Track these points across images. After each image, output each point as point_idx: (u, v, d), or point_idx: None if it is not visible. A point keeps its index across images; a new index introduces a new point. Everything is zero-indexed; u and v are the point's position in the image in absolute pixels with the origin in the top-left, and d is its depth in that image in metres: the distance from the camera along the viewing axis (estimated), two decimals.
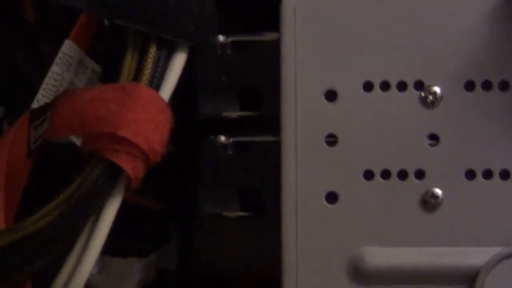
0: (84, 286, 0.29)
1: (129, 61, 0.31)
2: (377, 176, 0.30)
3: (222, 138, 0.31)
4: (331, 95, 0.30)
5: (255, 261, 0.31)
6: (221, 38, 0.31)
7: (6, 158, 0.31)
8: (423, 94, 0.30)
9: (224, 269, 0.32)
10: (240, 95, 0.31)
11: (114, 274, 0.33)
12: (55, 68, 0.31)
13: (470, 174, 0.30)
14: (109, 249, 0.30)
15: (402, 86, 0.30)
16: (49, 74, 0.30)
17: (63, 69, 0.31)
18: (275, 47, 0.30)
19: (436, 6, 0.30)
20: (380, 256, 0.30)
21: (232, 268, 0.32)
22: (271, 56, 0.30)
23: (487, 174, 0.30)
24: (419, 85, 0.30)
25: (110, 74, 0.31)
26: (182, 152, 0.31)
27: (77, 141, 0.30)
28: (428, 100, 0.30)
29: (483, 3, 0.30)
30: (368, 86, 0.30)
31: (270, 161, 0.30)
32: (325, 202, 0.30)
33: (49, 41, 0.31)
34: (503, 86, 0.30)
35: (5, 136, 0.31)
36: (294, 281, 0.30)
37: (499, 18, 0.30)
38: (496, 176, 0.30)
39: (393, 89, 0.30)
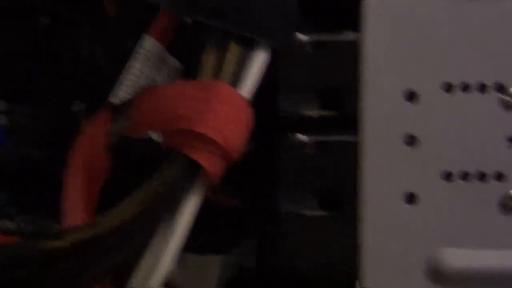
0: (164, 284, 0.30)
1: (209, 59, 0.32)
2: (456, 178, 0.30)
3: (302, 137, 0.31)
4: (410, 96, 0.30)
5: (332, 260, 0.32)
6: (302, 37, 0.32)
7: (87, 153, 0.32)
8: (503, 96, 0.30)
9: (302, 268, 0.32)
10: (319, 94, 0.31)
11: (194, 271, 0.34)
12: (135, 64, 0.31)
13: None
14: (188, 246, 0.30)
15: (482, 87, 0.30)
16: (129, 70, 0.31)
17: (143, 64, 0.31)
18: (355, 47, 0.31)
19: None
20: (459, 257, 0.30)
21: (310, 266, 0.32)
22: (351, 56, 0.31)
23: None
24: (500, 87, 0.30)
25: (190, 71, 0.32)
26: (261, 149, 0.31)
27: (156, 137, 0.31)
28: (508, 103, 0.30)
29: None
30: (447, 87, 0.31)
31: (348, 160, 0.31)
32: (403, 202, 0.30)
33: (129, 37, 0.32)
34: None
35: (85, 131, 0.31)
36: (372, 281, 0.30)
37: None
38: None
39: (473, 91, 0.30)
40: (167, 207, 0.31)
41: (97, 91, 0.32)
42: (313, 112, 0.32)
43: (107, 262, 0.31)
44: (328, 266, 0.32)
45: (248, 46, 0.31)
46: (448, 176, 0.30)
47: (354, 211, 0.31)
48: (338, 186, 0.32)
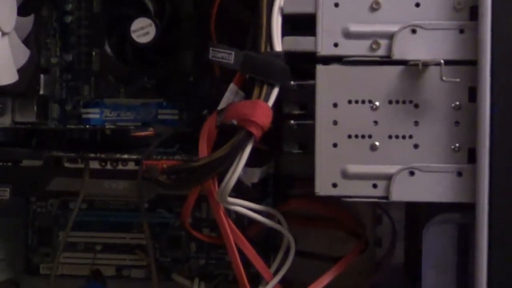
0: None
1: (256, 90, 0.68)
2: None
3: (292, 122, 0.73)
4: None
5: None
6: (292, 82, 0.69)
7: (209, 127, 0.72)
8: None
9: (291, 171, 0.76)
10: (300, 105, 0.73)
11: (248, 174, 0.75)
12: (227, 94, 0.73)
13: None
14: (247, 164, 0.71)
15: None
16: (225, 96, 0.73)
17: (230, 94, 0.71)
18: (314, 87, 0.72)
19: None
20: None
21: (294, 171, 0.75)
22: (313, 90, 0.72)
23: None
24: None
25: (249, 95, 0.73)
26: (274, 128, 0.71)
27: (234, 122, 0.72)
28: None
29: None
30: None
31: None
32: None
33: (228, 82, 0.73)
34: None
35: (208, 119, 0.71)
36: None
37: None
38: None
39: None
40: (239, 151, 0.67)
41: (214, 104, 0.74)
42: (295, 111, 0.72)
43: (216, 171, 0.73)
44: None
45: (271, 85, 0.68)
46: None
47: None
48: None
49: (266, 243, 0.84)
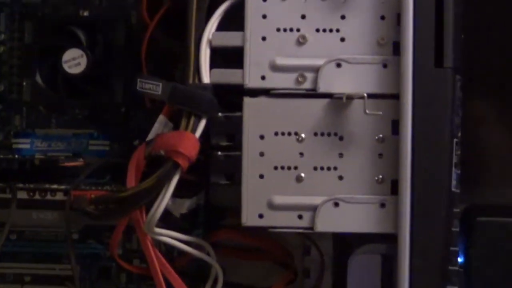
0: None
1: (184, 122, 0.69)
2: None
3: (220, 154, 0.74)
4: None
5: None
6: (219, 114, 0.69)
7: (137, 158, 0.72)
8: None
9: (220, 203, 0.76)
10: (227, 137, 0.74)
11: (177, 205, 0.76)
12: (156, 125, 0.73)
13: None
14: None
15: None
16: (154, 127, 0.73)
17: (159, 125, 0.72)
18: (241, 119, 0.73)
19: None
20: None
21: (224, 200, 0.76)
22: (240, 122, 0.73)
23: None
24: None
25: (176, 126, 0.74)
26: (201, 159, 0.72)
27: (161, 152, 0.72)
28: None
29: None
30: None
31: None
32: None
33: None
34: None
35: (137, 150, 0.73)
36: None
37: None
38: None
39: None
40: (165, 181, 0.66)
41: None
42: (223, 142, 0.72)
43: (143, 202, 0.74)
44: None
45: (199, 117, 0.69)
46: None
47: None
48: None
49: (197, 274, 0.84)
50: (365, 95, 0.68)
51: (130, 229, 0.77)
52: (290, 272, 0.81)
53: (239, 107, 0.71)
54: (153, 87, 0.71)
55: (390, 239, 0.70)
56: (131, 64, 0.83)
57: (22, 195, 0.78)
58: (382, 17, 0.71)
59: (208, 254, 0.77)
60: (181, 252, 0.78)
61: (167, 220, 0.73)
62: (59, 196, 0.78)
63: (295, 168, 0.71)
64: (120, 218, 0.74)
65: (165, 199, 0.68)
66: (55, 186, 0.78)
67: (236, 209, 0.73)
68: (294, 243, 0.86)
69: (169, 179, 0.68)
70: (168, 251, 0.82)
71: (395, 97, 0.70)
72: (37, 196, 0.78)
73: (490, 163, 0.89)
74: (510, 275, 0.80)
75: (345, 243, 0.80)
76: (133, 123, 0.85)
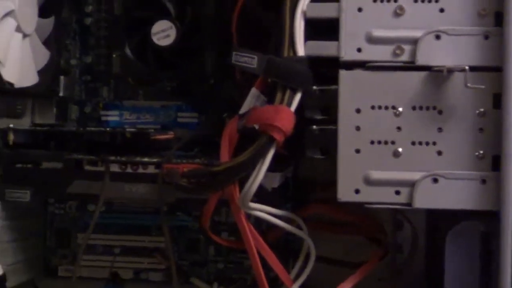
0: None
1: (279, 95, 0.67)
2: None
3: (315, 127, 0.72)
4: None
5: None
6: (314, 87, 0.69)
7: (229, 132, 0.70)
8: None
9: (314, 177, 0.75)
10: (322, 110, 0.72)
11: (268, 179, 0.74)
12: (248, 98, 0.72)
13: None
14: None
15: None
16: (247, 100, 0.72)
17: (251, 98, 0.71)
18: (337, 92, 0.71)
19: None
20: None
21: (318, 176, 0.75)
22: (336, 95, 0.71)
23: None
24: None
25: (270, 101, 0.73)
26: (296, 134, 0.70)
27: (256, 126, 0.71)
28: None
29: None
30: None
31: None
32: None
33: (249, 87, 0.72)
34: None
35: (228, 124, 0.72)
36: None
37: None
38: None
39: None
40: (261, 156, 0.66)
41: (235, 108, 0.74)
42: (317, 116, 0.71)
43: (237, 177, 0.72)
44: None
45: (294, 90, 0.68)
46: None
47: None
48: None
49: (285, 248, 0.83)
50: (467, 68, 0.66)
51: (219, 202, 0.76)
52: (382, 248, 0.80)
53: (333, 80, 0.69)
54: (249, 60, 0.70)
55: (488, 217, 0.68)
56: (221, 35, 0.82)
57: (114, 168, 0.78)
58: None
59: (299, 228, 0.76)
60: (271, 226, 0.77)
61: (259, 195, 0.71)
62: (151, 169, 0.77)
63: (393, 142, 0.69)
64: (213, 192, 0.73)
65: (260, 173, 0.67)
66: (146, 159, 0.77)
67: (326, 183, 0.71)
68: (383, 217, 0.84)
69: (264, 154, 0.67)
70: (257, 224, 0.81)
71: (497, 69, 0.67)
72: (129, 169, 0.78)
73: None
74: None
75: (440, 219, 0.78)
76: (222, 95, 0.84)
